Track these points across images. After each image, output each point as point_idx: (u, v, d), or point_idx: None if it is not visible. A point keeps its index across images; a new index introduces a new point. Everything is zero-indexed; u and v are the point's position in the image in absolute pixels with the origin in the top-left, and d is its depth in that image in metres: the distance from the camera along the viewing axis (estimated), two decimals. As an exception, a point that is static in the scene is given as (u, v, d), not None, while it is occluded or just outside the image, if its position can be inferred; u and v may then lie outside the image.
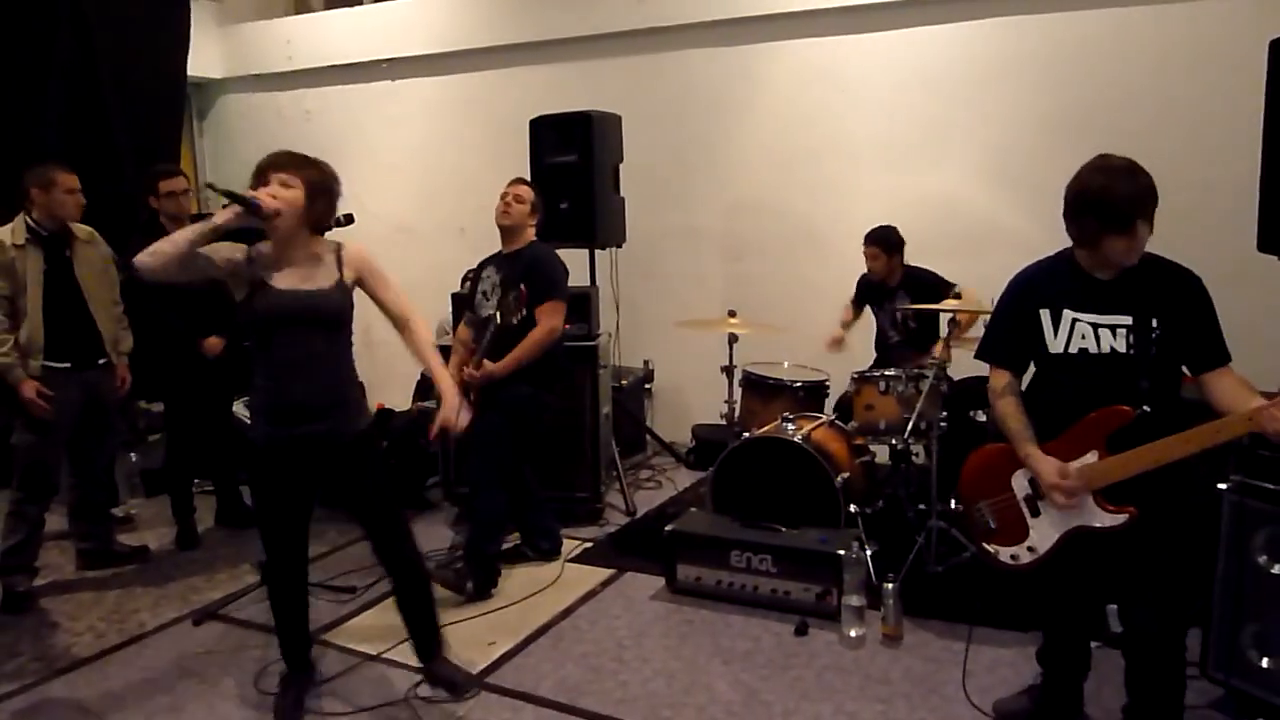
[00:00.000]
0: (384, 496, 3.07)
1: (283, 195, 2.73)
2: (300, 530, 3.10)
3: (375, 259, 3.08)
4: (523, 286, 3.78)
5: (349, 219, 4.30)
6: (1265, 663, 2.83)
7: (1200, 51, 4.76)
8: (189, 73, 6.54)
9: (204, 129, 8.09)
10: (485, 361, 3.88)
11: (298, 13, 7.86)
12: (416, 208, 7.11)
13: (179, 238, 2.68)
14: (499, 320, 3.85)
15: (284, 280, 2.82)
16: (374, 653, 3.50)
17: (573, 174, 4.99)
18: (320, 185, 2.85)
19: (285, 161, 2.81)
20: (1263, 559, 2.83)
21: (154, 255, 2.65)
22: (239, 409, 5.04)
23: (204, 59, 7.42)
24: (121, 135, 5.76)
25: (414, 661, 3.29)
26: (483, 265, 4.18)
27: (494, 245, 4.17)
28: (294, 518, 3.06)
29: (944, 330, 4.20)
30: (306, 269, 2.87)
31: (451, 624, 3.73)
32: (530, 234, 4.09)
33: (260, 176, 2.77)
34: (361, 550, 4.56)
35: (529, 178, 5.02)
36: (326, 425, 2.90)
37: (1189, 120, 4.73)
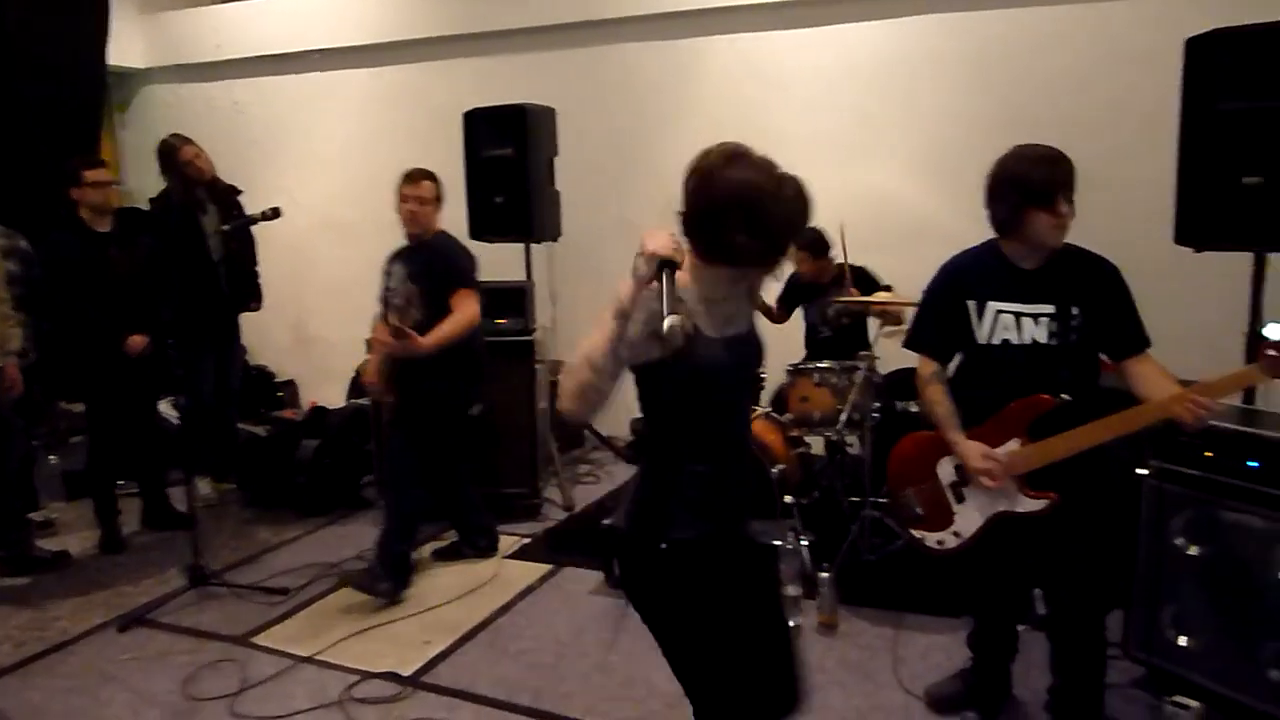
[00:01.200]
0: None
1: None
2: None
3: None
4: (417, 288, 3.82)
5: (275, 213, 4.23)
6: (1183, 641, 2.92)
7: (1122, 49, 4.88)
8: (109, 62, 6.34)
9: (126, 121, 7.85)
10: (411, 334, 3.73)
11: (225, 0, 7.66)
12: (349, 202, 6.98)
13: (596, 359, 1.82)
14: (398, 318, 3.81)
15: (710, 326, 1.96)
16: (306, 654, 3.44)
17: (508, 168, 4.95)
18: None
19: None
20: (1180, 541, 2.92)
21: (578, 398, 1.84)
22: (165, 408, 4.92)
23: (126, 48, 7.19)
24: (36, 126, 5.56)
25: (348, 663, 3.25)
26: (391, 260, 4.06)
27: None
28: None
29: (875, 325, 4.27)
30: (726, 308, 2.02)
31: (387, 624, 3.69)
32: (435, 225, 4.02)
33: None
34: (291, 552, 4.49)
35: (464, 172, 4.99)
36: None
37: (1111, 116, 4.86)
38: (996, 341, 2.54)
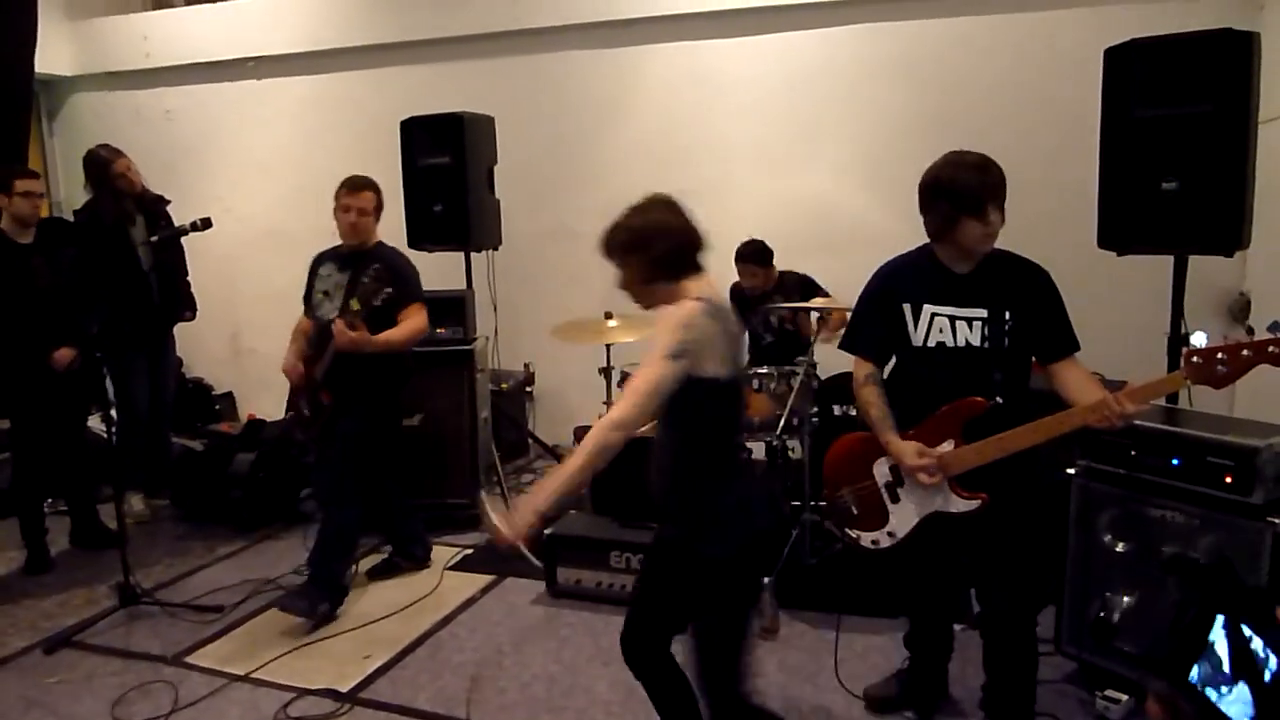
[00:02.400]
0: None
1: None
2: None
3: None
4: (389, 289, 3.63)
5: (206, 223, 4.15)
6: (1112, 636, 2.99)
7: (1048, 58, 5.01)
8: (37, 69, 6.16)
9: (55, 129, 7.64)
10: (357, 330, 3.58)
11: (156, 7, 7.51)
12: (286, 210, 6.87)
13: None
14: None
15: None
16: (241, 673, 3.36)
17: (446, 176, 4.91)
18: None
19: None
20: (1108, 538, 2.99)
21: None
22: (95, 422, 4.79)
23: (53, 55, 6.99)
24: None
25: (284, 680, 3.20)
26: (319, 261, 3.95)
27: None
28: None
29: (814, 330, 4.31)
30: None
31: (326, 639, 3.63)
32: (375, 235, 3.93)
33: None
34: (226, 568, 4.40)
35: (401, 180, 4.95)
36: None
37: (1039, 123, 4.98)
38: (931, 344, 2.58)
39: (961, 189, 2.45)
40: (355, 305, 3.59)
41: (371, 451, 3.88)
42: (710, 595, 2.26)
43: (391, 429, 4.03)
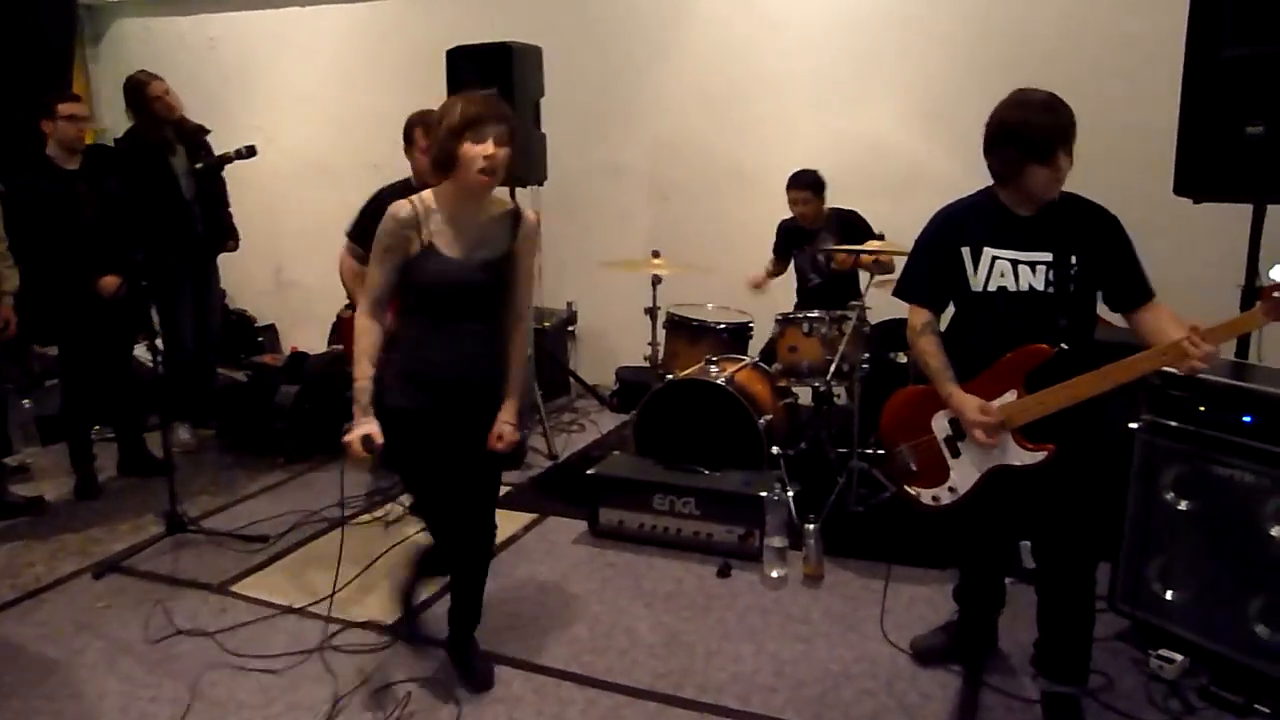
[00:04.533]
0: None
1: (498, 157, 2.41)
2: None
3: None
4: None
5: (251, 151, 4.10)
6: (1169, 595, 2.92)
7: (1121, -1, 4.78)
8: (80, -5, 6.12)
9: (98, 55, 7.61)
10: None
11: (199, -68, 7.40)
12: (328, 143, 6.81)
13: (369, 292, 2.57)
14: None
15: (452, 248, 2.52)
16: (286, 603, 3.39)
17: (492, 108, 4.81)
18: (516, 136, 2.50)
19: (497, 114, 2.42)
20: (1170, 496, 2.90)
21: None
22: (141, 352, 4.81)
23: (96, -20, 6.96)
24: (5, 60, 5.36)
25: (325, 611, 3.22)
26: (389, 198, 3.81)
27: (409, 182, 3.97)
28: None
29: (866, 276, 4.20)
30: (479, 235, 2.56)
31: (367, 569, 3.65)
32: None
33: (474, 126, 2.37)
34: (270, 499, 4.44)
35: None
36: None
37: (1111, 62, 4.75)
38: (993, 289, 2.48)
39: (1030, 133, 2.32)
40: None
41: None
42: None
43: None
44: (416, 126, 3.65)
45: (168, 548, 3.87)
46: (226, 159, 4.39)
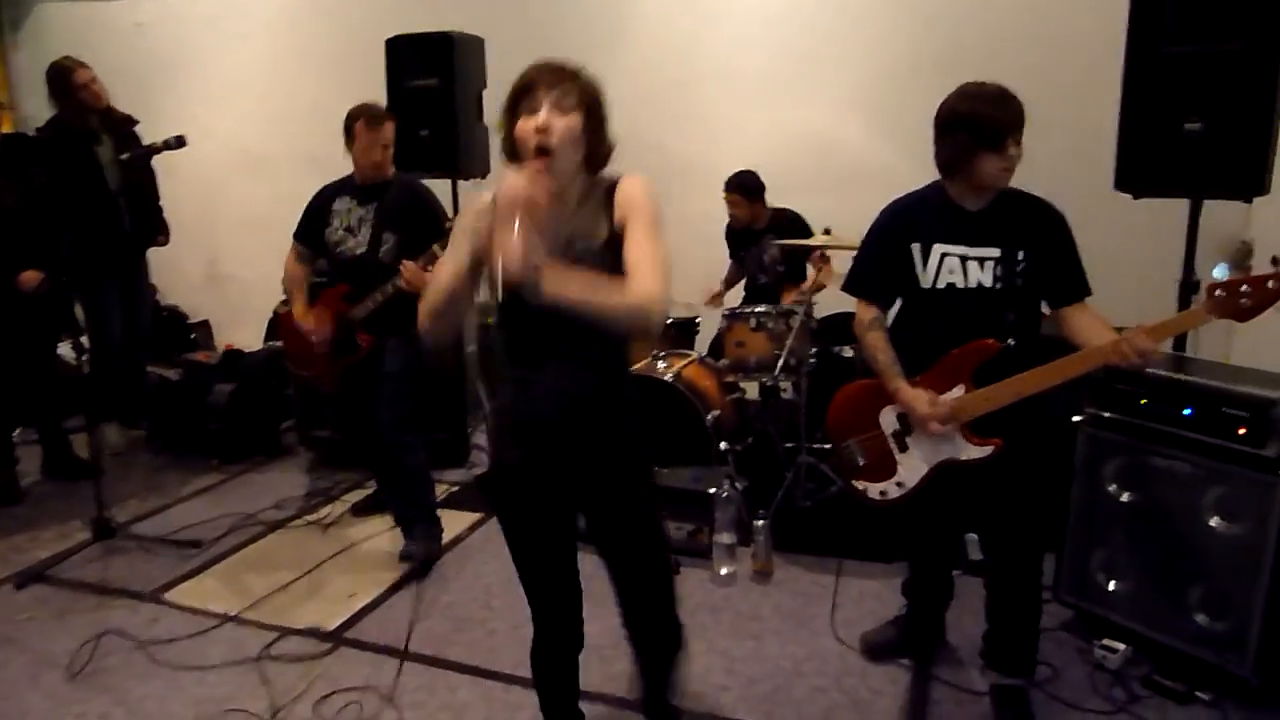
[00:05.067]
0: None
1: (557, 128, 1.82)
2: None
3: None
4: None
5: (180, 141, 3.94)
6: (1112, 586, 2.96)
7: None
8: (-3, -23, 5.86)
9: (18, 42, 7.30)
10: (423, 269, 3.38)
11: (125, -87, 7.13)
12: (262, 132, 6.62)
13: (442, 280, 1.95)
14: (382, 260, 3.49)
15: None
16: (222, 611, 3.28)
17: (433, 99, 4.69)
18: (599, 102, 1.91)
19: (553, 75, 1.87)
20: (1113, 488, 2.94)
21: (431, 316, 1.95)
22: (65, 349, 4.62)
23: (15, -37, 6.67)
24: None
25: (266, 619, 3.11)
26: (331, 195, 3.67)
27: (347, 172, 3.85)
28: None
29: (812, 272, 4.20)
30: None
31: (307, 574, 3.55)
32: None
33: (525, 97, 1.86)
34: (204, 502, 4.29)
35: (386, 102, 4.72)
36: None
37: (1054, 57, 4.77)
38: (941, 285, 2.48)
39: (980, 121, 2.33)
40: (438, 249, 3.36)
41: (420, 382, 3.71)
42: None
43: (429, 363, 3.85)
44: (358, 120, 3.52)
45: (96, 555, 3.72)
46: (155, 149, 4.20)
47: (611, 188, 1.92)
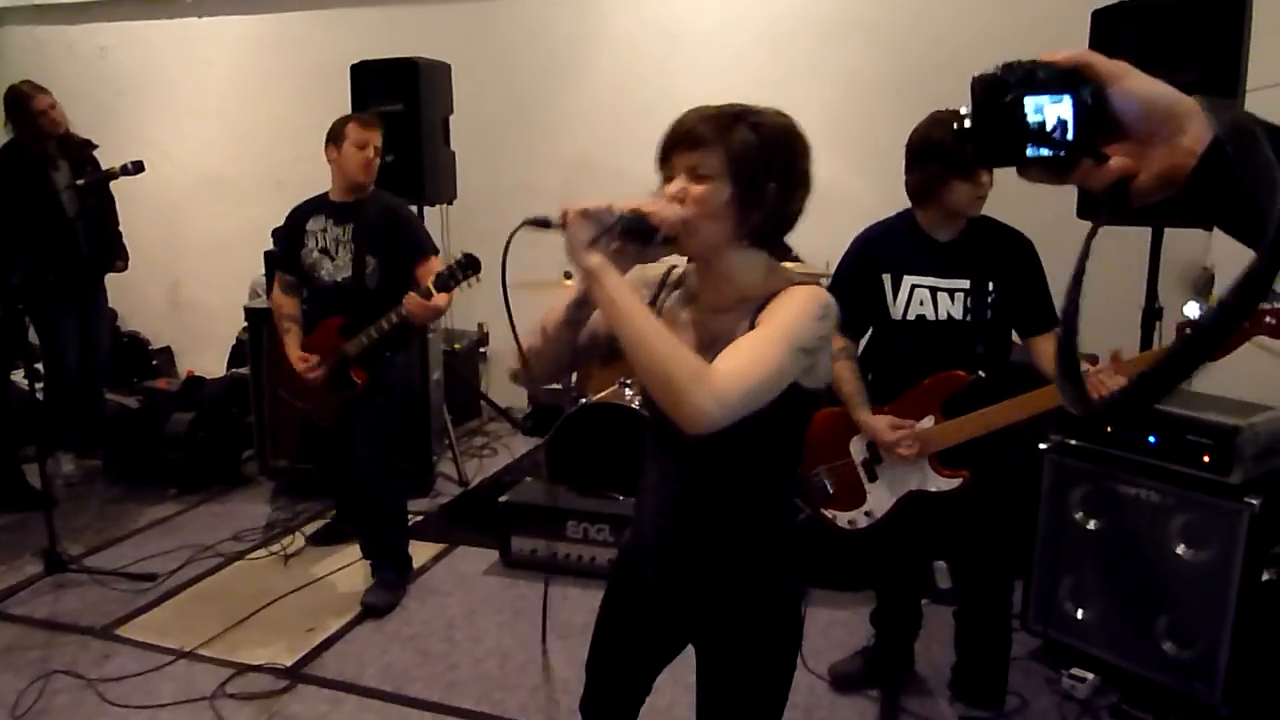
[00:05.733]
0: None
1: (691, 196, 1.49)
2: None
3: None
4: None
5: (138, 166, 3.89)
6: (1080, 614, 2.95)
7: (1026, 19, 4.88)
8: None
9: (-22, 65, 7.20)
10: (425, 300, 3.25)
11: (89, -63, 7.07)
12: (227, 158, 6.55)
13: (549, 323, 1.67)
14: (367, 285, 3.39)
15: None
16: (175, 647, 3.18)
17: (399, 125, 4.65)
18: (755, 155, 1.48)
19: (695, 130, 1.51)
20: (1079, 515, 2.94)
21: (531, 355, 1.69)
22: (18, 377, 4.52)
23: (-23, -15, 6.58)
24: None
25: (222, 655, 3.02)
26: (304, 214, 3.51)
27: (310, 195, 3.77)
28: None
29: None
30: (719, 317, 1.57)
31: (265, 607, 3.46)
32: None
33: (664, 160, 1.57)
34: (161, 534, 4.19)
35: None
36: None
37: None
38: (911, 317, 2.47)
39: (952, 147, 2.33)
40: (430, 284, 3.26)
41: (401, 413, 3.65)
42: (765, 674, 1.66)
43: (410, 394, 3.75)
44: (350, 121, 3.40)
45: (46, 589, 3.60)
46: (111, 175, 4.15)
47: (775, 294, 1.50)
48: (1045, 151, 0.86)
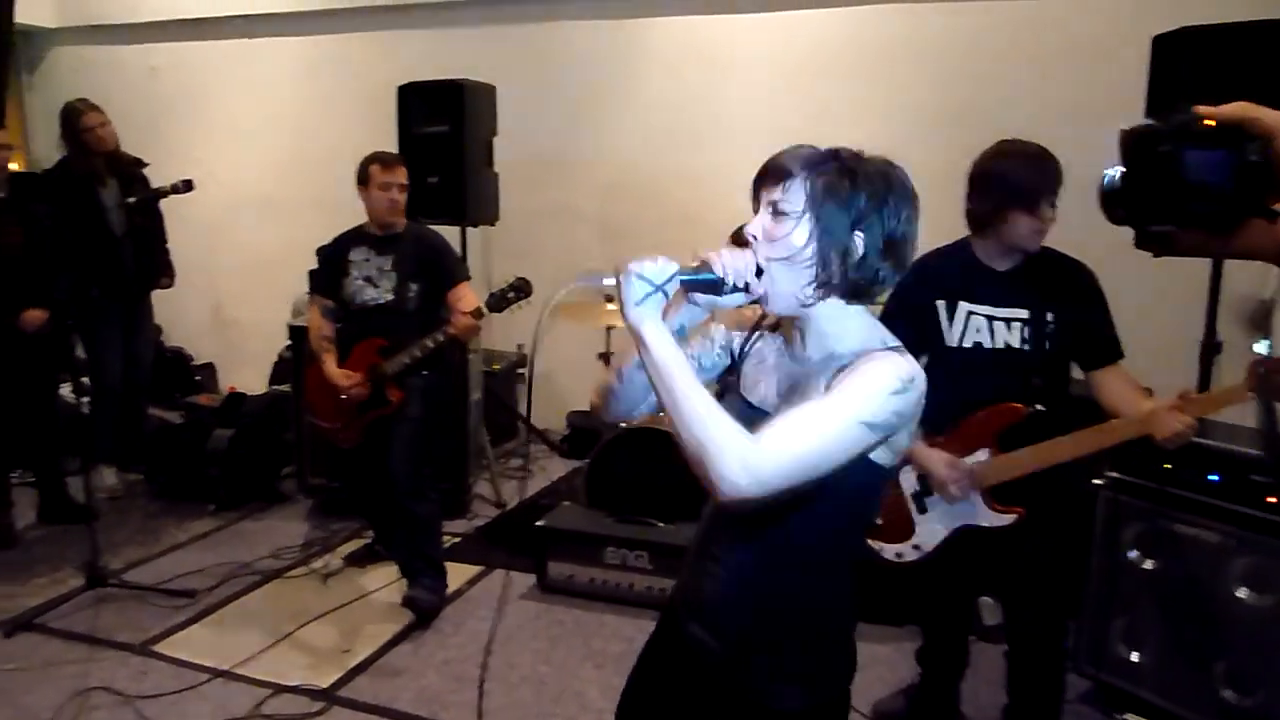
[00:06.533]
0: None
1: (768, 228, 1.41)
2: None
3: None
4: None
5: (187, 185, 3.93)
6: (1134, 657, 2.85)
7: (1083, 46, 4.80)
8: (17, 20, 5.88)
9: (33, 84, 7.36)
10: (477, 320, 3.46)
11: (142, -41, 7.22)
12: (273, 178, 6.63)
13: (622, 365, 1.60)
14: (409, 307, 3.53)
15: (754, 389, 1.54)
16: (213, 665, 3.17)
17: (443, 146, 4.69)
18: (841, 196, 1.41)
19: (782, 163, 1.46)
20: (1133, 554, 2.85)
21: (603, 395, 1.66)
22: (64, 391, 4.57)
23: (34, 5, 6.71)
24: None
25: (258, 674, 3.00)
26: (346, 245, 3.65)
27: (356, 218, 3.82)
28: None
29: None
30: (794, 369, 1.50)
31: (301, 627, 3.45)
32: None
33: (754, 197, 1.49)
34: (200, 550, 4.20)
35: (397, 149, 4.72)
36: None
37: (1071, 116, 4.75)
38: (967, 345, 2.41)
39: (1016, 179, 2.29)
40: (471, 306, 3.48)
41: (435, 430, 3.72)
42: None
43: (444, 411, 3.81)
44: (374, 163, 3.55)
45: (87, 603, 3.62)
46: (162, 193, 4.21)
47: (862, 356, 1.38)
48: (1206, 209, 0.79)
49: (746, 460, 1.23)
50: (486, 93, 4.94)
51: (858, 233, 1.39)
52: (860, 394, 1.32)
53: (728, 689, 1.53)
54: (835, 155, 1.43)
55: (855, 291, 1.42)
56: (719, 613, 1.53)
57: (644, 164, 5.79)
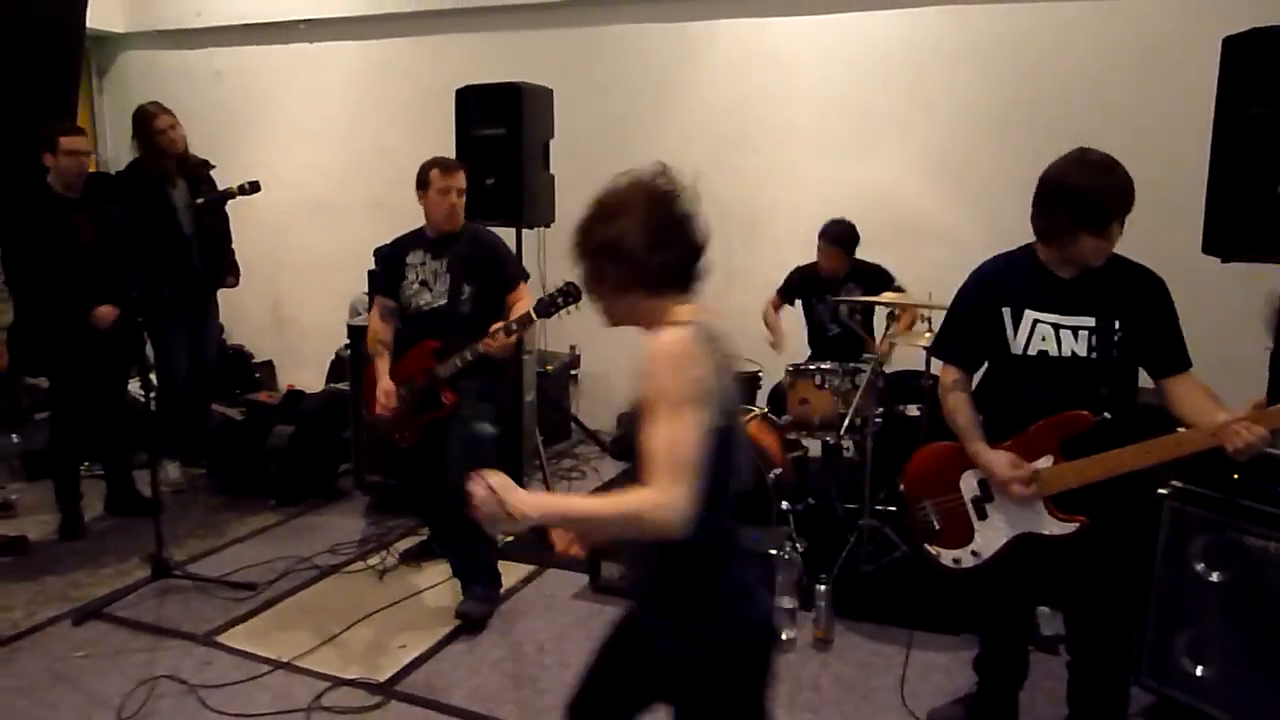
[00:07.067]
0: None
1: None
2: None
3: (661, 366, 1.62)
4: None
5: (254, 186, 4.01)
6: (1199, 671, 2.78)
7: (1148, 47, 4.71)
8: (89, 25, 6.06)
9: (104, 87, 7.58)
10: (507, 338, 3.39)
11: (209, -34, 7.39)
12: (332, 180, 6.75)
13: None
14: (462, 310, 3.52)
15: None
16: (273, 656, 3.24)
17: (500, 148, 4.74)
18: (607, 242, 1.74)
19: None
20: (1200, 566, 2.78)
21: None
22: (133, 386, 4.69)
23: (105, 10, 6.91)
24: (10, 88, 5.28)
25: (317, 667, 3.06)
26: (403, 249, 3.67)
27: (414, 220, 3.87)
28: None
29: (882, 325, 4.09)
30: None
31: (359, 621, 3.51)
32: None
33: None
34: (260, 544, 4.29)
35: (454, 152, 4.78)
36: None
37: (1134, 118, 4.67)
38: (1033, 352, 2.38)
39: (1087, 199, 2.23)
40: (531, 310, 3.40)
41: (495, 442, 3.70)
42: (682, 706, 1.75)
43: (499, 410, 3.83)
44: (433, 168, 3.55)
45: (152, 594, 3.72)
46: (230, 194, 4.30)
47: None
48: None
49: (659, 503, 1.47)
50: (544, 95, 4.97)
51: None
52: (660, 377, 1.57)
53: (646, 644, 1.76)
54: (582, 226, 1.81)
55: (643, 314, 1.79)
56: (635, 587, 1.86)
57: (698, 166, 5.70)
